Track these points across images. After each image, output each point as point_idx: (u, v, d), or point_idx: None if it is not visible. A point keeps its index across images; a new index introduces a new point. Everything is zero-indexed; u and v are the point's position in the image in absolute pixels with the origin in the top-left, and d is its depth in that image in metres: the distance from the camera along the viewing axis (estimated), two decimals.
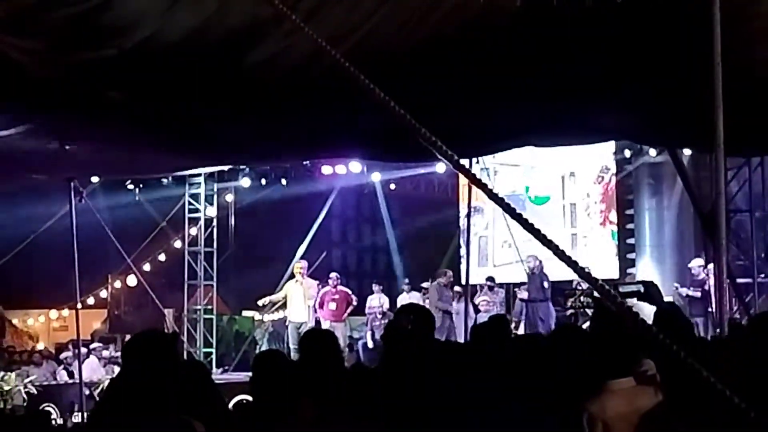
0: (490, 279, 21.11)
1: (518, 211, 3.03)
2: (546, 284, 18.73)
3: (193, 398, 4.93)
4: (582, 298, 14.15)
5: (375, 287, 22.32)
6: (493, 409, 4.71)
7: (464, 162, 15.49)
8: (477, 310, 19.83)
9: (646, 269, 20.86)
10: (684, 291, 18.44)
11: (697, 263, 18.49)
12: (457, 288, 20.60)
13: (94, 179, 17.64)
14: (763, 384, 3.06)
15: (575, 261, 2.91)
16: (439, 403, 5.06)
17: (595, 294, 12.85)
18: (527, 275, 19.15)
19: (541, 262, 18.52)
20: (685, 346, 2.72)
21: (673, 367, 3.20)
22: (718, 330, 7.39)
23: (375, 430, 5.30)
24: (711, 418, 3.00)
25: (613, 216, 22.81)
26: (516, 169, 21.52)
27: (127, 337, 21.83)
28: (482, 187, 3.00)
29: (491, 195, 2.98)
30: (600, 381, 4.32)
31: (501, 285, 21.05)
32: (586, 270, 3.00)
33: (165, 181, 22.82)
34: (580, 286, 17.87)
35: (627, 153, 21.81)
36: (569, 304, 17.50)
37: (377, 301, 21.93)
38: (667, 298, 13.80)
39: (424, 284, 21.80)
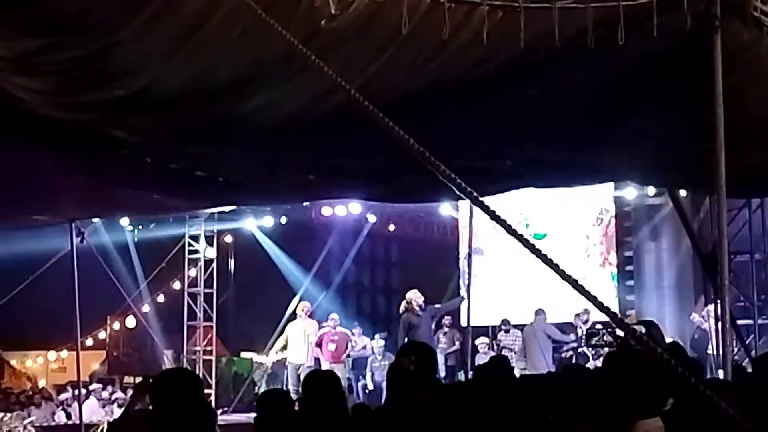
0: (505, 321, 21.22)
1: (529, 248, 3.06)
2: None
3: None
4: (606, 338, 14.15)
5: (355, 330, 22.35)
6: None
7: (465, 204, 15.61)
8: (500, 349, 20.15)
9: (646, 311, 20.86)
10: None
11: (696, 317, 18.66)
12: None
13: (95, 219, 17.65)
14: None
15: (595, 296, 2.95)
16: None
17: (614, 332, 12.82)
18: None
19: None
20: (700, 380, 2.76)
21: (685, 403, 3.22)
22: (720, 371, 7.40)
23: None
24: None
25: (613, 258, 22.84)
26: (515, 206, 21.54)
27: (126, 378, 21.79)
28: (502, 222, 3.03)
29: (511, 230, 3.02)
30: (627, 421, 4.30)
31: (516, 326, 21.09)
32: (606, 306, 3.02)
33: (165, 222, 22.84)
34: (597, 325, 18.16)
35: (626, 194, 21.85)
36: (593, 342, 17.54)
37: (359, 343, 21.99)
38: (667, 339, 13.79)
39: None
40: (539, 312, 20.00)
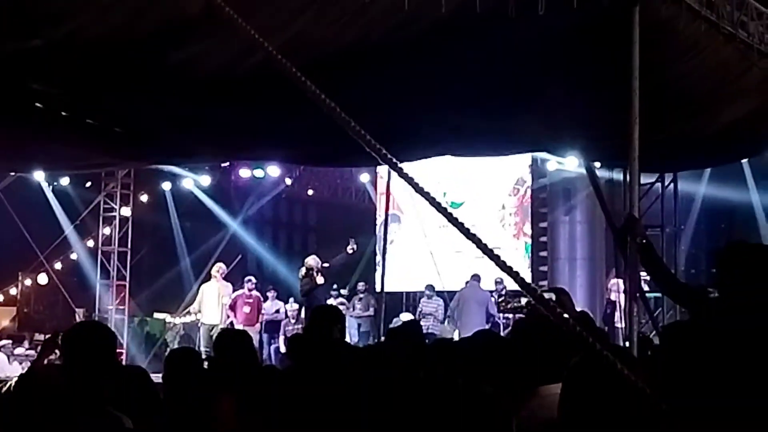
0: (430, 287, 21.30)
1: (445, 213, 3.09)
2: None
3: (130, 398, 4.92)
4: (516, 304, 14.33)
5: (270, 293, 22.35)
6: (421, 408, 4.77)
7: (384, 169, 15.64)
8: (422, 316, 20.22)
9: (558, 282, 21.10)
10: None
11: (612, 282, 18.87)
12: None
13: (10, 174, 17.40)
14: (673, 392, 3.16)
15: (504, 261, 2.99)
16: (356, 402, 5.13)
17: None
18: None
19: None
20: (606, 347, 2.82)
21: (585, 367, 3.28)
22: (626, 343, 7.54)
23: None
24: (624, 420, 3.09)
25: (528, 228, 23.07)
26: (432, 175, 21.62)
27: (36, 335, 21.49)
28: (418, 188, 3.06)
29: (425, 195, 3.04)
30: (529, 386, 4.38)
31: (440, 293, 21.15)
32: (516, 272, 3.06)
33: (80, 179, 22.55)
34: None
35: (542, 165, 22.05)
36: (501, 307, 17.76)
37: (272, 306, 21.99)
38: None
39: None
40: (474, 276, 20.03)
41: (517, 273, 3.06)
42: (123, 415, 4.51)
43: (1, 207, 14.45)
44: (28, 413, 4.66)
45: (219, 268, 20.51)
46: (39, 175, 19.68)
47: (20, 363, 19.14)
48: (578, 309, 9.42)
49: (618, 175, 15.30)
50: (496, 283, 20.33)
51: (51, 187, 22.61)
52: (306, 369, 6.35)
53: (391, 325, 19.59)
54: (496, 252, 3.12)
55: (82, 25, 6.02)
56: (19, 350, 20.28)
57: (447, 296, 20.90)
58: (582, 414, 3.21)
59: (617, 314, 17.88)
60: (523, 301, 13.49)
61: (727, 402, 3.26)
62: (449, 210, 3.08)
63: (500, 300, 18.45)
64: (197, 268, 23.54)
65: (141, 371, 6.16)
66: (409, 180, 3.14)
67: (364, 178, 25.41)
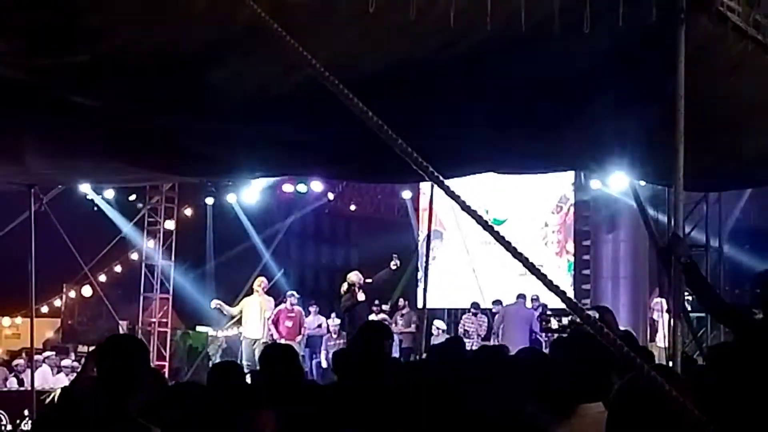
0: (475, 305, 21.29)
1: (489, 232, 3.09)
2: None
3: (153, 406, 4.95)
4: (558, 324, 14.28)
5: (312, 308, 22.42)
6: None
7: (427, 185, 15.63)
8: (466, 334, 20.22)
9: (601, 301, 21.01)
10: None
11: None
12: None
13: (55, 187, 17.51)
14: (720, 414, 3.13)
15: (550, 279, 2.98)
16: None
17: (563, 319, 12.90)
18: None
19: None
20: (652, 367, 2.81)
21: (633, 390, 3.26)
22: (670, 363, 7.48)
23: None
24: None
25: (570, 246, 22.99)
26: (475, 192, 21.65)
27: (80, 347, 21.64)
28: (462, 204, 3.06)
29: (471, 212, 3.04)
30: (570, 405, 4.36)
31: (484, 311, 21.14)
32: (561, 290, 3.05)
33: (125, 192, 22.72)
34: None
35: (586, 184, 21.97)
36: (543, 326, 17.71)
37: (314, 321, 22.06)
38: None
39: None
40: (520, 296, 20.06)
41: (563, 291, 3.06)
42: (153, 426, 4.56)
43: (47, 219, 14.53)
44: (66, 425, 4.72)
45: (261, 282, 20.60)
46: (85, 188, 19.86)
47: (66, 375, 19.29)
48: (621, 328, 9.37)
49: (662, 194, 15.26)
50: (532, 300, 20.32)
51: (95, 199, 22.80)
52: (349, 385, 6.36)
53: (432, 339, 19.71)
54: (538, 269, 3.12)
55: (125, 43, 6.06)
56: (66, 362, 20.42)
57: (489, 314, 20.88)
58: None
59: (660, 334, 17.77)
60: (565, 320, 13.43)
61: None
62: (494, 227, 3.08)
63: (541, 319, 18.40)
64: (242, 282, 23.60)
65: (157, 373, 6.23)
66: (455, 197, 3.15)
67: (406, 195, 25.43)
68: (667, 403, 2.81)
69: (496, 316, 20.61)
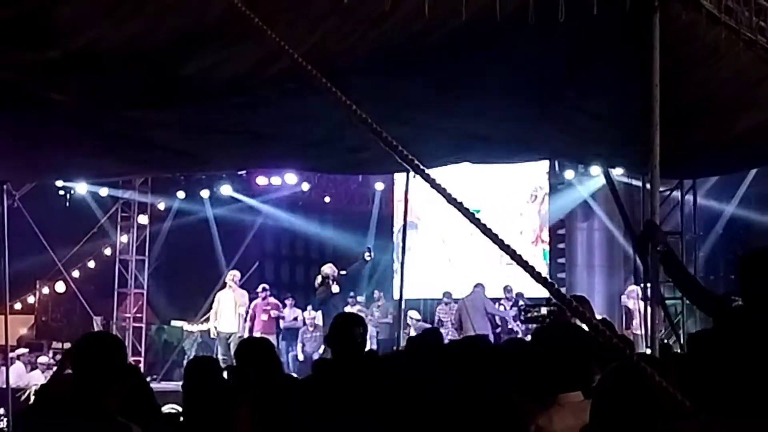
0: (447, 294, 21.30)
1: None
2: None
3: (130, 403, 4.91)
4: (537, 313, 14.30)
5: (288, 301, 22.41)
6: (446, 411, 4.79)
7: (402, 176, 15.63)
8: (440, 323, 20.23)
9: (576, 289, 21.08)
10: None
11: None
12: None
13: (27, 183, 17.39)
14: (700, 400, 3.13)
15: (533, 267, 2.96)
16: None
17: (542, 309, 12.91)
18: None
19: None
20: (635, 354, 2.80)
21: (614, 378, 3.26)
22: (648, 350, 7.50)
23: None
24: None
25: (545, 235, 23.05)
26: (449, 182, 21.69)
27: (54, 343, 21.48)
28: (442, 192, 3.04)
29: (452, 201, 3.02)
30: (550, 394, 4.37)
31: (456, 300, 21.11)
32: (544, 277, 3.03)
33: (98, 188, 22.60)
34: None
35: (561, 172, 22.02)
36: (522, 317, 17.73)
37: (290, 314, 22.05)
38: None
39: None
40: (478, 285, 20.05)
41: (545, 279, 3.05)
42: (132, 423, 4.54)
43: (19, 215, 14.45)
44: (44, 423, 4.69)
45: (233, 276, 20.57)
46: (57, 183, 19.75)
47: (42, 372, 19.17)
48: (598, 316, 9.39)
49: (637, 182, 15.30)
50: (505, 290, 20.38)
51: (67, 195, 22.68)
52: (326, 378, 6.34)
53: (405, 330, 19.71)
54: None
55: (99, 36, 6.01)
56: (42, 359, 20.28)
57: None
58: (615, 420, 3.18)
59: (635, 321, 17.87)
60: (543, 310, 13.45)
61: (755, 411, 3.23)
62: (478, 218, 3.06)
63: (522, 310, 18.42)
64: (213, 276, 23.54)
65: (135, 370, 6.20)
66: (440, 189, 3.13)
67: (379, 186, 25.45)
68: (653, 391, 2.80)
69: (455, 308, 20.56)
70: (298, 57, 3.23)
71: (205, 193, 24.68)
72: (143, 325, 23.37)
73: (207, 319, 21.16)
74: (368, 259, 18.99)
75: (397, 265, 22.59)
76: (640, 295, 16.12)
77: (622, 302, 19.90)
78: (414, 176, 18.96)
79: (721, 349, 4.46)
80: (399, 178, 21.61)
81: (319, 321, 20.61)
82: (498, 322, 19.95)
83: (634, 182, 16.31)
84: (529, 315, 15.87)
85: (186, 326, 23.03)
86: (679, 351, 10.85)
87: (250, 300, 20.78)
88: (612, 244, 21.66)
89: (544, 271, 22.03)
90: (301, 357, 21.25)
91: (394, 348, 15.66)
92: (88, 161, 11.05)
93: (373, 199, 26.67)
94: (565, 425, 4.13)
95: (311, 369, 7.02)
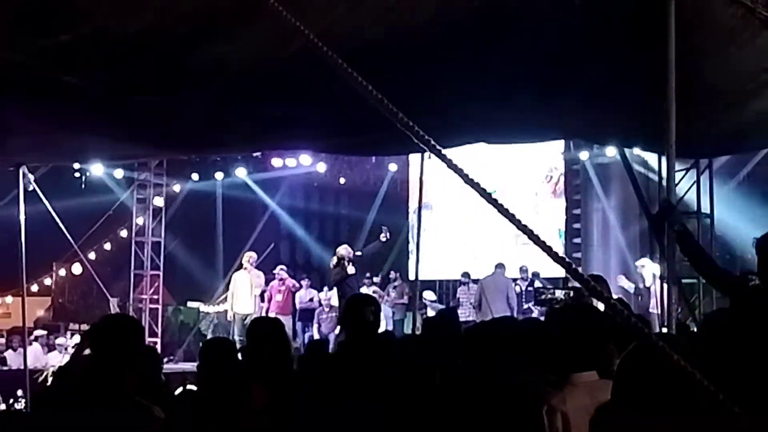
0: (465, 275, 21.28)
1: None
2: None
3: (146, 384, 4.94)
4: (550, 295, 14.28)
5: (303, 282, 22.46)
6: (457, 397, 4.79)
7: (417, 157, 15.62)
8: (458, 304, 20.20)
9: (592, 269, 21.05)
10: (626, 284, 18.77)
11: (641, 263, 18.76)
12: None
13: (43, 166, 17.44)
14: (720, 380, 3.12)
15: (550, 247, 2.96)
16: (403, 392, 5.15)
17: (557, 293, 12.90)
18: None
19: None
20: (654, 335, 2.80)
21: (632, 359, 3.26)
22: (664, 329, 7.49)
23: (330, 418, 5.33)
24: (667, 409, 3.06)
25: (561, 215, 23.02)
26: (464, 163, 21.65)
27: (71, 324, 21.58)
28: (459, 172, 3.05)
29: (469, 181, 3.02)
30: (565, 374, 4.38)
31: (475, 280, 21.07)
32: (561, 257, 3.03)
33: (114, 169, 22.66)
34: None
35: (576, 152, 21.99)
36: (536, 299, 17.72)
37: (306, 295, 22.11)
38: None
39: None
40: (500, 266, 20.01)
41: (562, 258, 3.04)
42: (153, 405, 4.56)
43: (35, 197, 14.46)
44: (63, 405, 4.72)
45: (249, 257, 20.61)
46: (73, 166, 19.80)
47: (60, 353, 19.27)
48: (614, 296, 9.37)
49: (653, 161, 15.24)
50: (522, 270, 20.37)
51: (83, 177, 22.74)
52: (341, 358, 6.35)
53: (422, 311, 19.72)
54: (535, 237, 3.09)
55: (110, 22, 6.01)
56: (60, 340, 20.38)
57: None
58: (637, 399, 3.17)
59: (652, 301, 17.81)
60: (558, 293, 13.42)
61: None
62: (496, 198, 3.05)
63: (536, 291, 18.41)
64: (231, 257, 23.60)
65: (153, 351, 6.22)
66: (456, 168, 3.13)
67: (393, 167, 25.47)
68: (674, 371, 2.79)
69: (475, 289, 20.53)
70: (314, 37, 3.23)
71: (219, 175, 24.72)
72: (159, 306, 23.46)
73: (223, 300, 21.24)
74: (384, 240, 18.99)
75: (412, 246, 22.60)
76: (657, 274, 16.07)
77: (617, 282, 19.73)
78: (429, 157, 18.98)
79: (735, 328, 4.45)
80: (414, 159, 21.62)
81: (335, 302, 20.63)
82: (514, 305, 19.91)
83: (651, 161, 16.25)
84: (543, 297, 15.86)
85: (202, 307, 23.13)
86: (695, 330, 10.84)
87: (267, 281, 20.84)
88: (628, 223, 21.61)
89: (560, 251, 21.99)
90: (317, 337, 21.31)
91: (411, 329, 15.71)
92: (104, 143, 11.05)
93: (389, 181, 26.68)
94: (579, 404, 4.13)
95: (304, 350, 7.04)
